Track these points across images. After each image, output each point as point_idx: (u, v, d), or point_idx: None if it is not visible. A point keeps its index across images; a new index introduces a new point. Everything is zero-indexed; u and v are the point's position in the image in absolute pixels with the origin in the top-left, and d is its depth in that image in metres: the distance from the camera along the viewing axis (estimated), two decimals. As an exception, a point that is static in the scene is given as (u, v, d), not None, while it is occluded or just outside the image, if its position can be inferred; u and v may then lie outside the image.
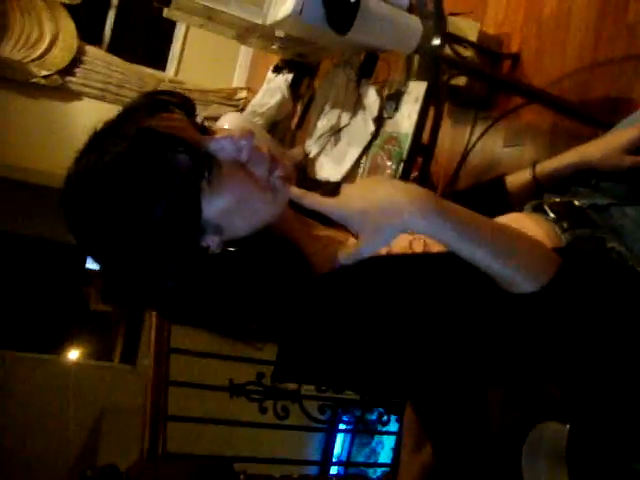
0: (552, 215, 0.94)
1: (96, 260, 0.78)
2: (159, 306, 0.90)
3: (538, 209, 0.98)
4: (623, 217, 0.94)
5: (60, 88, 5.22)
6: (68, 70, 5.20)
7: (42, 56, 5.07)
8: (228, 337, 2.66)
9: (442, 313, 0.75)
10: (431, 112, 1.36)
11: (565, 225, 0.91)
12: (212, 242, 0.77)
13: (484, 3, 2.79)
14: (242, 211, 0.76)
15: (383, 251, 0.81)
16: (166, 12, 2.21)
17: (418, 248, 0.83)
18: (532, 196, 1.05)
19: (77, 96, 5.35)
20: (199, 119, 0.78)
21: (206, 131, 0.77)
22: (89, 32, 5.38)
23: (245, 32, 2.02)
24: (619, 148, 1.00)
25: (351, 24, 1.36)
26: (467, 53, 2.38)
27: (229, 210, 0.75)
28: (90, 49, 5.29)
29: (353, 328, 0.75)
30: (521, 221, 0.93)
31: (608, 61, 2.04)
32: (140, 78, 5.37)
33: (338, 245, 0.81)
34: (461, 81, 2.36)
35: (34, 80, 5.06)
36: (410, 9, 1.48)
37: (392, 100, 1.41)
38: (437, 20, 1.35)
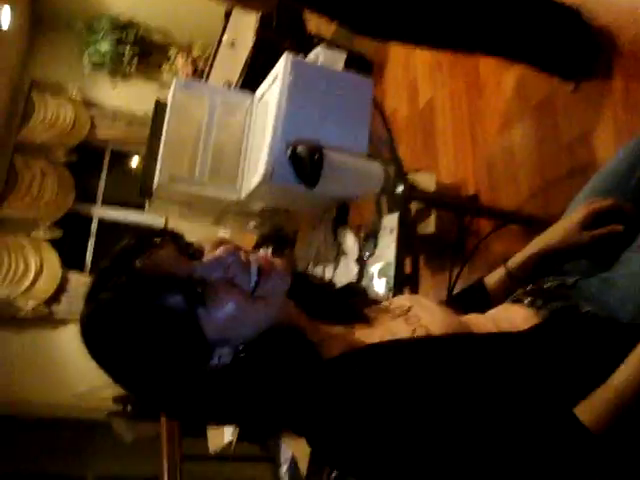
0: (527, 300, 1.01)
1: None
2: (181, 418, 0.89)
3: (515, 301, 1.05)
4: (590, 287, 1.02)
5: (46, 317, 5.32)
6: (53, 299, 5.34)
7: (28, 289, 5.23)
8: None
9: (447, 391, 0.76)
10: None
11: (539, 303, 0.99)
12: (222, 354, 0.80)
13: (435, 158, 3.05)
14: (241, 321, 0.79)
15: (382, 333, 0.85)
16: (147, 206, 2.35)
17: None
18: (509, 290, 1.12)
19: (63, 323, 5.42)
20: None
21: (195, 254, 0.81)
22: (71, 259, 5.61)
23: (222, 214, 2.17)
24: (575, 227, 1.09)
25: (318, 177, 1.49)
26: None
27: (228, 324, 0.79)
28: (73, 275, 5.48)
29: (364, 410, 0.75)
30: (506, 309, 1.03)
31: (557, 180, 2.20)
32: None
33: (343, 335, 0.84)
34: (429, 228, 2.50)
35: (21, 314, 5.18)
36: (370, 155, 1.63)
37: (370, 239, 1.50)
38: (396, 165, 1.48)
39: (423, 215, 2.50)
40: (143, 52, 6.46)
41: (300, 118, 1.65)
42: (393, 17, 1.82)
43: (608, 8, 2.06)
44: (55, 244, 5.48)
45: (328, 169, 1.50)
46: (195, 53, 6.28)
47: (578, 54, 2.05)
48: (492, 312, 1.04)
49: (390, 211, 1.49)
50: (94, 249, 5.84)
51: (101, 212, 6.02)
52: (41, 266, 5.32)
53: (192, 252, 0.82)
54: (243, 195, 1.90)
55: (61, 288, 5.38)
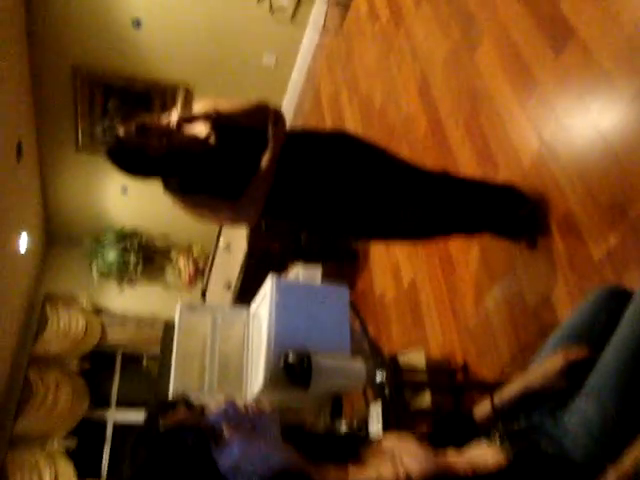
0: (498, 440, 1.25)
1: None
2: None
3: (490, 437, 1.28)
4: (551, 427, 1.25)
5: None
6: (70, 512, 5.27)
7: (43, 507, 5.18)
8: None
9: None
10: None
11: (507, 443, 1.23)
12: None
13: (424, 332, 3.28)
14: (248, 455, 1.04)
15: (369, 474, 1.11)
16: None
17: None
18: (492, 421, 1.34)
19: None
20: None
21: (203, 411, 1.11)
22: (87, 468, 5.61)
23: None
24: (555, 374, 1.30)
25: (309, 380, 1.72)
26: (421, 377, 2.75)
27: (237, 457, 1.03)
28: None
29: None
30: (480, 448, 1.27)
31: (530, 341, 2.42)
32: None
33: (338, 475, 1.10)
34: (425, 403, 2.66)
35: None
36: (354, 352, 1.86)
37: (361, 426, 1.69)
38: (375, 358, 1.72)
39: (419, 390, 2.68)
40: (147, 257, 6.95)
41: (288, 330, 1.92)
42: (356, 222, 2.20)
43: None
44: (70, 453, 5.50)
45: (317, 371, 1.73)
46: (195, 253, 6.75)
47: (518, 219, 2.43)
48: (468, 451, 1.26)
49: (376, 399, 1.69)
50: (110, 455, 5.84)
51: (116, 415, 6.08)
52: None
53: (199, 409, 1.12)
54: (249, 397, 2.11)
55: (78, 500, 5.33)
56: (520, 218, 2.43)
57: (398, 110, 3.93)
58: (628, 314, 1.27)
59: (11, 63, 4.90)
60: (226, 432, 1.04)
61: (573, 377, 1.29)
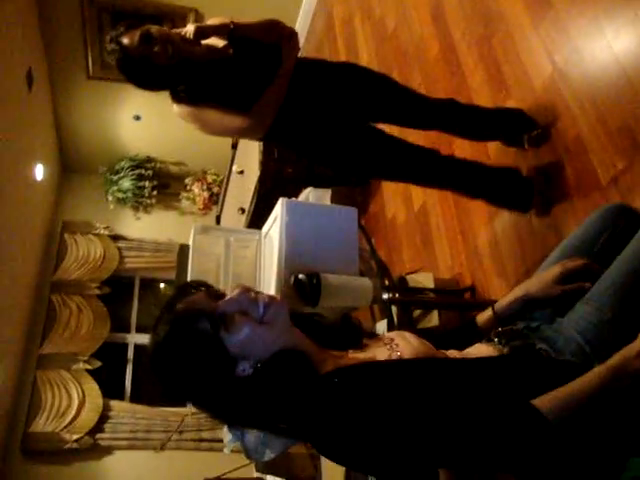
0: (495, 340, 1.33)
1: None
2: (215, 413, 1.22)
3: (488, 340, 1.36)
4: (548, 330, 1.31)
5: (91, 448, 5.49)
6: (97, 428, 5.54)
7: (72, 421, 5.46)
8: None
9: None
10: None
11: (503, 341, 1.31)
12: (245, 366, 1.13)
13: (434, 255, 3.35)
14: (254, 340, 1.12)
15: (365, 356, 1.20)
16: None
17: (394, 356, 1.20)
18: (494, 327, 1.41)
19: (108, 451, 5.60)
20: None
21: (220, 296, 1.17)
22: (111, 388, 5.86)
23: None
24: (551, 281, 1.38)
25: (318, 297, 1.80)
26: (430, 297, 2.83)
27: (245, 342, 1.12)
28: (115, 404, 5.70)
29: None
30: (478, 347, 1.34)
31: (535, 265, 2.48)
32: (164, 418, 5.69)
33: (337, 356, 1.19)
34: (433, 322, 2.76)
35: (66, 446, 5.37)
36: (361, 273, 1.94)
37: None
38: (381, 277, 1.79)
39: (427, 309, 2.77)
40: (161, 184, 7.00)
41: (298, 250, 1.99)
42: (361, 155, 2.23)
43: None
44: (94, 375, 5.74)
45: (326, 290, 1.81)
46: (209, 179, 6.79)
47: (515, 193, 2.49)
48: (466, 350, 1.35)
49: (382, 317, 1.78)
50: (132, 376, 6.08)
51: (136, 338, 6.30)
52: (83, 398, 5.57)
53: (217, 295, 1.17)
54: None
55: (104, 417, 5.59)
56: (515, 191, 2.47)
57: (410, 33, 3.86)
58: None
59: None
60: (237, 318, 1.11)
61: (567, 286, 1.35)
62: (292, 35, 2.16)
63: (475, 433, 0.99)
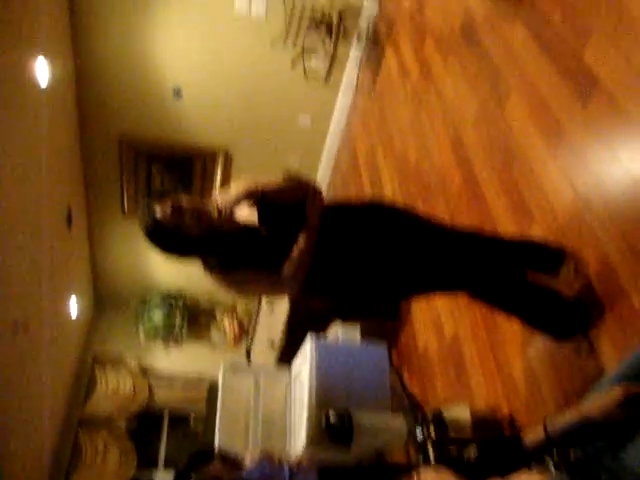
0: (552, 467, 1.24)
1: None
2: None
3: (542, 465, 1.26)
4: (610, 461, 1.23)
5: None
6: None
7: None
8: None
9: None
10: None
11: (563, 473, 1.23)
12: None
13: (468, 385, 3.24)
14: None
15: None
16: None
17: None
18: (544, 448, 1.31)
19: None
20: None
21: (237, 465, 1.11)
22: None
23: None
24: (612, 404, 1.29)
25: (351, 438, 1.74)
26: (467, 433, 2.72)
27: None
28: None
29: None
30: (529, 476, 1.22)
31: (574, 392, 2.38)
32: None
33: None
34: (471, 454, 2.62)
35: None
36: (395, 409, 1.88)
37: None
38: (414, 415, 1.73)
39: (465, 446, 2.64)
40: (192, 317, 7.07)
41: (329, 390, 1.96)
42: (395, 288, 2.24)
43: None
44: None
45: (358, 430, 1.76)
46: (239, 313, 6.84)
47: (565, 318, 2.42)
48: (512, 477, 1.22)
49: (418, 456, 1.70)
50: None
51: (164, 475, 6.09)
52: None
53: (234, 463, 1.10)
54: (290, 455, 2.14)
55: None
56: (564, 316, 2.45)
57: (432, 166, 3.99)
58: None
59: (64, 137, 5.19)
60: None
61: (632, 411, 1.28)
62: (316, 193, 2.23)
63: None
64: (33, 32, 4.24)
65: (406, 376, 3.95)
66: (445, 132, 3.87)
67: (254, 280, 2.15)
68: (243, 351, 6.03)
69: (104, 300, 7.14)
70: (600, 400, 1.34)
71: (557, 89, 2.75)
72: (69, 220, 5.48)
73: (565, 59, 2.73)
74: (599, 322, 2.33)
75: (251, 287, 2.16)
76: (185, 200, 2.05)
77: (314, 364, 1.98)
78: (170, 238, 2.05)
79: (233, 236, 2.10)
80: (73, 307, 5.93)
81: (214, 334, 6.95)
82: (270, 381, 2.32)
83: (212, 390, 6.21)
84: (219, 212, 2.06)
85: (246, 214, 2.12)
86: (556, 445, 1.32)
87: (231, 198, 2.10)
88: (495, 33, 3.37)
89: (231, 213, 2.08)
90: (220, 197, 2.13)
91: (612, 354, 2.25)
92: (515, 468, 1.27)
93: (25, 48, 4.19)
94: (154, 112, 5.67)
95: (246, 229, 2.11)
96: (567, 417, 1.36)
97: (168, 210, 2.00)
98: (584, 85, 2.56)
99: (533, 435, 1.38)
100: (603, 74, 2.46)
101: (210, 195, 6.43)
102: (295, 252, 2.06)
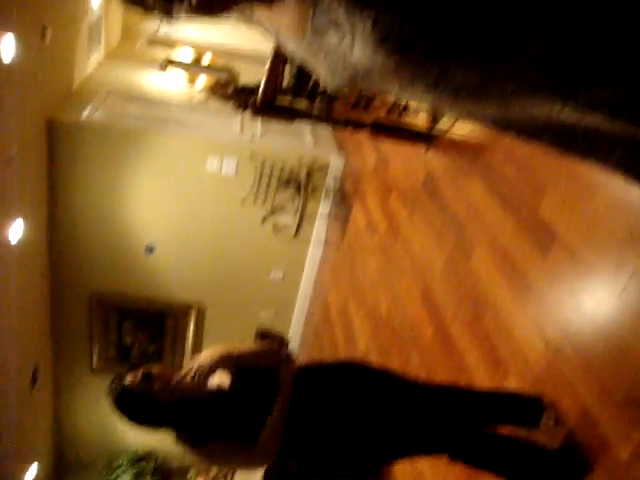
0: None
1: None
2: None
3: None
4: None
5: None
6: None
7: None
8: None
9: None
10: None
11: None
12: None
13: None
14: None
15: None
16: None
17: None
18: None
19: None
20: None
21: None
22: None
23: None
24: None
25: None
26: None
27: None
28: None
29: None
30: None
31: None
32: None
33: None
34: None
35: None
36: None
37: None
38: None
39: None
40: (163, 479, 6.68)
41: None
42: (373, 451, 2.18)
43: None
44: None
45: None
46: (213, 473, 6.50)
47: (550, 471, 2.36)
48: None
49: None
50: None
51: None
52: None
53: None
54: None
55: None
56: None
57: (404, 318, 4.03)
58: None
59: (35, 295, 5.16)
60: None
61: None
62: (289, 358, 2.26)
63: None
64: (12, 194, 4.36)
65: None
66: (414, 284, 3.96)
67: (227, 454, 2.11)
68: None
69: (67, 465, 6.72)
70: None
71: (518, 241, 2.88)
72: (34, 380, 5.30)
73: (523, 212, 2.88)
74: (588, 474, 2.26)
75: (224, 460, 2.12)
76: (156, 368, 2.07)
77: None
78: (138, 406, 2.03)
79: (203, 403, 2.09)
80: (31, 474, 5.56)
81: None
82: None
83: None
84: (192, 378, 2.07)
85: (218, 380, 2.12)
86: None
87: (205, 364, 2.11)
88: (456, 188, 3.57)
89: (204, 379, 2.08)
90: (193, 363, 2.14)
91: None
92: None
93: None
94: (126, 268, 5.72)
95: (217, 395, 2.10)
96: None
97: (139, 377, 2.02)
98: (543, 237, 2.68)
99: None
100: (559, 226, 2.59)
101: (183, 354, 6.38)
102: (268, 423, 2.05)
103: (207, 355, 2.18)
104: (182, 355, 6.15)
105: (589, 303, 2.36)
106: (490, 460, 2.34)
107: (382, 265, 4.60)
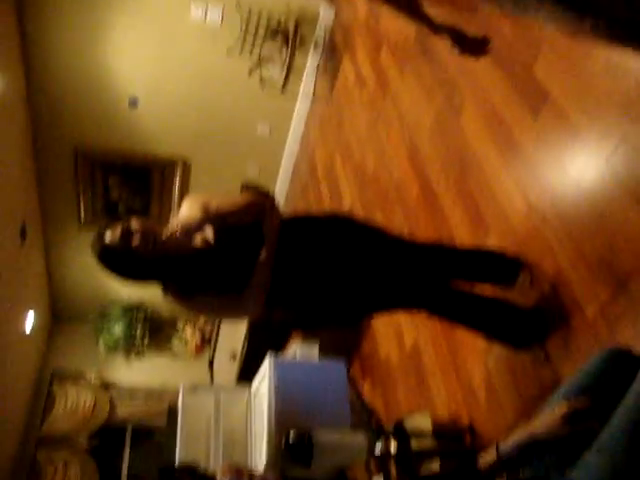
0: None
1: None
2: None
3: None
4: (554, 476, 1.26)
5: None
6: None
7: None
8: None
9: None
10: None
11: None
12: None
13: (429, 395, 3.27)
14: None
15: None
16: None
17: None
18: (496, 469, 1.35)
19: None
20: None
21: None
22: None
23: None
24: (558, 421, 1.31)
25: (311, 457, 1.74)
26: (428, 442, 2.73)
27: None
28: None
29: None
30: None
31: (534, 399, 2.43)
32: None
33: None
34: (434, 469, 2.64)
35: None
36: (355, 424, 1.89)
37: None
38: (373, 431, 1.74)
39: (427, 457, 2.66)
40: (153, 328, 6.98)
41: (288, 408, 1.96)
42: (357, 302, 2.24)
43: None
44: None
45: (318, 449, 1.76)
46: (201, 323, 6.78)
47: (522, 328, 2.45)
48: None
49: (379, 471, 1.71)
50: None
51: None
52: None
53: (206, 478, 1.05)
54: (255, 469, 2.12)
55: None
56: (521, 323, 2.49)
57: (390, 175, 4.03)
58: None
59: (16, 150, 5.07)
60: None
61: (576, 427, 1.31)
62: (273, 208, 2.21)
63: None
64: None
65: (369, 388, 3.97)
66: (402, 142, 3.91)
67: (214, 306, 2.12)
68: (206, 362, 5.99)
69: (62, 314, 6.99)
70: (546, 418, 1.37)
71: (509, 100, 2.81)
72: (23, 234, 5.35)
73: (516, 71, 2.78)
74: (555, 332, 2.37)
75: (211, 312, 2.14)
76: (135, 223, 2.02)
77: (273, 383, 1.98)
78: (121, 262, 2.02)
79: (188, 258, 2.08)
80: (29, 322, 5.79)
81: (176, 345, 6.88)
82: (230, 400, 2.30)
83: (171, 413, 6.15)
84: (173, 234, 2.03)
85: (202, 235, 2.10)
86: (507, 465, 1.35)
87: (188, 220, 2.07)
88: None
89: (186, 235, 2.05)
90: (176, 219, 2.10)
91: (566, 364, 2.29)
92: None
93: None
94: (110, 122, 5.59)
95: (202, 251, 2.09)
96: (516, 436, 1.38)
97: (117, 234, 1.98)
98: (534, 97, 2.61)
99: (486, 456, 1.40)
100: (553, 86, 2.52)
101: (169, 208, 6.41)
102: (255, 275, 2.05)
103: (189, 209, 2.14)
104: (169, 209, 6.18)
105: (575, 167, 2.35)
106: (466, 316, 2.43)
107: (370, 122, 4.51)
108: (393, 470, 1.93)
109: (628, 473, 1.18)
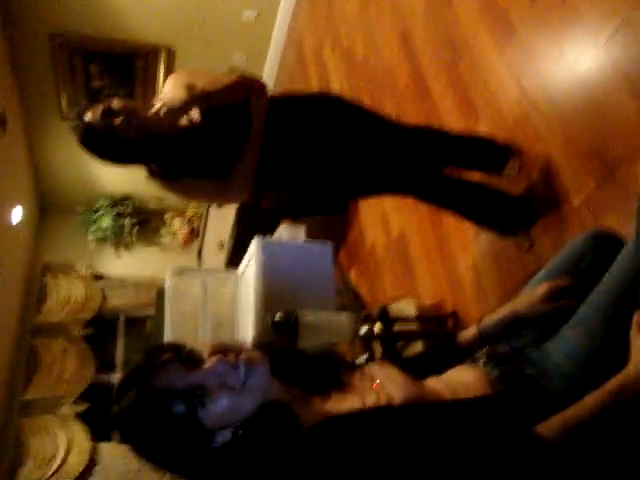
0: (482, 362, 1.28)
1: None
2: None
3: (474, 360, 1.31)
4: (534, 353, 1.29)
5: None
6: (86, 473, 5.41)
7: (59, 468, 5.31)
8: None
9: None
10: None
11: (491, 365, 1.26)
12: (223, 436, 1.04)
13: (415, 283, 3.34)
14: (234, 411, 1.03)
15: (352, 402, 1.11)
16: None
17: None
18: (477, 345, 1.37)
19: None
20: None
21: (196, 362, 1.05)
22: (100, 430, 5.73)
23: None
24: (539, 299, 1.34)
25: (296, 336, 1.78)
26: (412, 326, 2.82)
27: (225, 414, 1.02)
28: (104, 446, 5.57)
29: None
30: (462, 371, 1.29)
31: (515, 288, 2.48)
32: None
33: (320, 404, 1.10)
34: (418, 348, 2.74)
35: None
36: (342, 307, 1.93)
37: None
38: (358, 312, 1.78)
39: (411, 340, 2.75)
40: (142, 220, 6.98)
41: (275, 289, 1.98)
42: (346, 182, 2.22)
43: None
44: (82, 418, 5.62)
45: (303, 328, 1.79)
46: (189, 214, 6.78)
47: (508, 214, 2.44)
48: (449, 375, 1.29)
49: (364, 351, 1.77)
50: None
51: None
52: (71, 442, 5.45)
53: (193, 360, 1.05)
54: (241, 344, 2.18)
55: (93, 461, 5.47)
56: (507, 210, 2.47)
57: (380, 61, 3.90)
58: (624, 251, 1.29)
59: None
60: (216, 391, 1.02)
61: (556, 304, 1.33)
62: (261, 89, 2.12)
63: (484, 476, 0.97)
64: None
65: (356, 275, 4.04)
66: (393, 26, 3.76)
67: (201, 188, 2.09)
68: (194, 253, 6.04)
69: (50, 207, 6.95)
70: (528, 296, 1.39)
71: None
72: (3, 123, 5.21)
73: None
74: (541, 219, 2.38)
75: (198, 195, 2.09)
76: (117, 102, 1.95)
77: (259, 262, 2.00)
78: (103, 143, 1.96)
79: (173, 139, 2.01)
80: (16, 215, 5.76)
81: (164, 237, 6.91)
82: (218, 283, 2.34)
83: (160, 296, 6.23)
84: (156, 113, 1.96)
85: (188, 116, 2.03)
86: (487, 341, 1.37)
87: (171, 101, 1.98)
88: None
89: (170, 115, 1.98)
90: (159, 99, 2.02)
91: (550, 252, 2.32)
92: (449, 365, 1.32)
93: None
94: (88, 5, 5.30)
95: (187, 131, 2.02)
96: (497, 314, 1.40)
97: (98, 113, 1.91)
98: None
99: (467, 332, 1.42)
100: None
101: (153, 96, 6.23)
102: (243, 156, 2.00)
103: (173, 88, 2.05)
104: (153, 98, 6.00)
105: (571, 52, 2.27)
106: (453, 201, 2.42)
107: (361, 6, 4.31)
108: (377, 350, 1.99)
109: (602, 345, 1.21)
